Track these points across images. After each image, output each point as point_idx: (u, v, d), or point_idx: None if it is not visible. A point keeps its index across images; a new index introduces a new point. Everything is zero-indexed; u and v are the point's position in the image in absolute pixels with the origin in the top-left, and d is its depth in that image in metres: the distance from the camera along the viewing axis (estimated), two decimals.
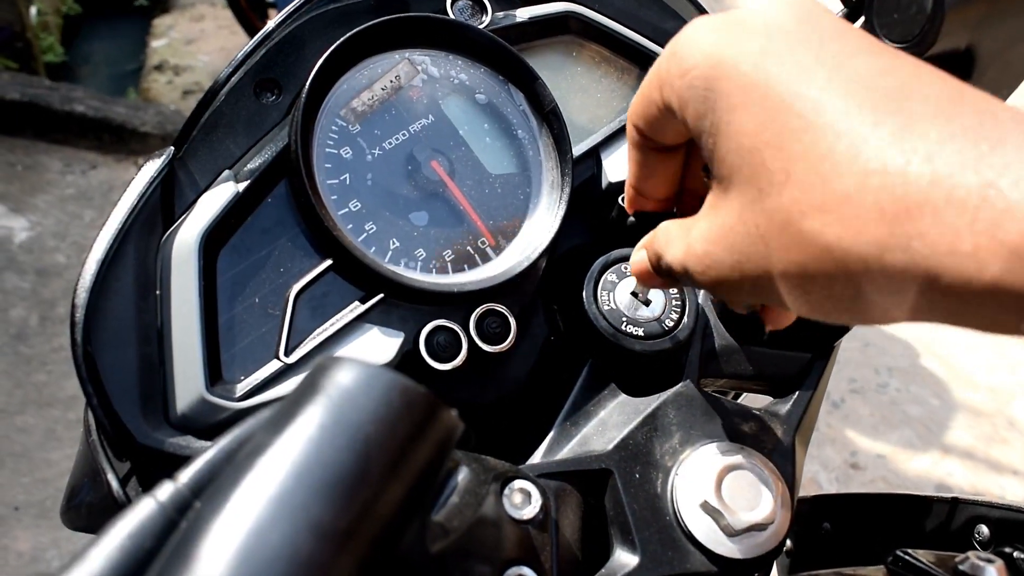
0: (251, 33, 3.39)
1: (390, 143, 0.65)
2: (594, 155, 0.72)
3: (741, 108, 0.34)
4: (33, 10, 3.59)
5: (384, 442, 0.33)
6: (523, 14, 0.70)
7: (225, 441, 0.38)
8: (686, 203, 0.55)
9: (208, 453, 0.37)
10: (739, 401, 0.64)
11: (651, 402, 0.61)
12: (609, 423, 0.61)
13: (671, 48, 0.38)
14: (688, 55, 0.36)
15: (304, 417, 0.33)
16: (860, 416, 2.71)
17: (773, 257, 0.34)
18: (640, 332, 0.63)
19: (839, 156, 0.31)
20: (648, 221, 0.70)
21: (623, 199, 0.69)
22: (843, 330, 0.65)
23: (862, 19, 0.54)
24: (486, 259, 0.66)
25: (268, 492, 0.31)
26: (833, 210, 0.31)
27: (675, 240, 0.44)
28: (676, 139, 0.43)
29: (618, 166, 0.71)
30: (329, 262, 0.60)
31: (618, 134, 0.73)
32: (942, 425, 2.72)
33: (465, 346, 0.62)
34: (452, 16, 0.68)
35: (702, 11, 0.74)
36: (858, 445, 2.62)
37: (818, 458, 2.56)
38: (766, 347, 0.65)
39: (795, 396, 0.64)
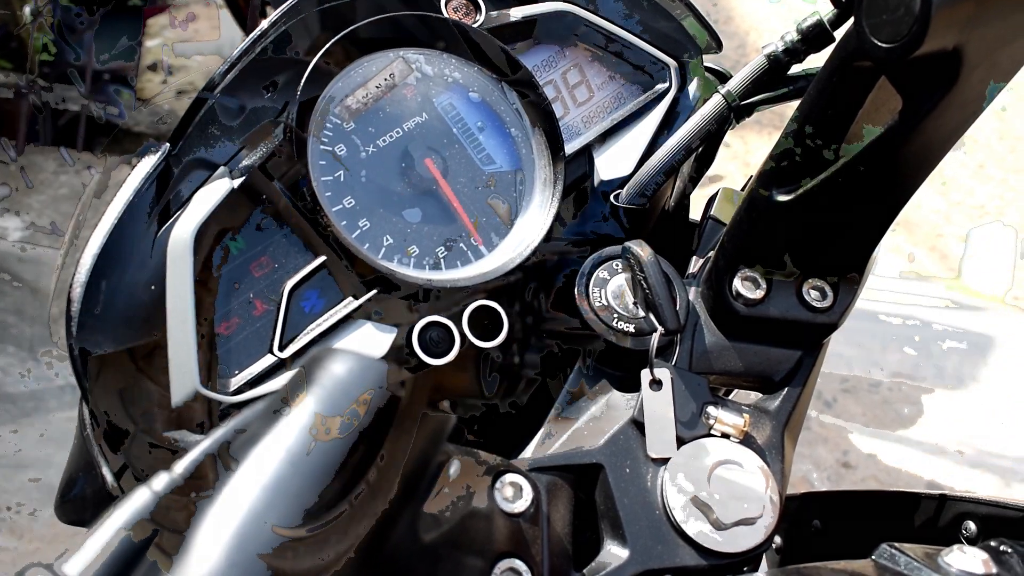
0: (247, 31, 3.38)
1: (384, 140, 0.65)
2: (586, 153, 0.72)
3: None
4: (27, 9, 3.57)
5: (376, 432, 0.33)
6: (517, 13, 0.70)
7: (219, 432, 0.38)
8: None
9: (202, 444, 0.37)
10: (729, 397, 0.64)
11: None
12: (600, 418, 0.62)
13: None
14: None
15: (298, 408, 0.34)
16: (852, 415, 2.72)
17: None
18: (631, 328, 0.64)
19: None
20: (639, 221, 0.71)
21: (615, 196, 0.70)
22: (831, 327, 0.65)
23: (851, 20, 0.55)
24: (479, 256, 0.66)
25: (262, 481, 0.31)
26: None
27: None
28: None
29: (609, 164, 0.72)
30: (323, 258, 0.61)
31: (610, 133, 0.73)
32: (934, 425, 2.73)
33: (458, 341, 0.62)
34: (446, 15, 0.68)
35: (694, 11, 0.75)
36: (850, 444, 2.63)
37: (810, 457, 2.57)
38: (756, 344, 0.66)
39: (784, 392, 0.64)
